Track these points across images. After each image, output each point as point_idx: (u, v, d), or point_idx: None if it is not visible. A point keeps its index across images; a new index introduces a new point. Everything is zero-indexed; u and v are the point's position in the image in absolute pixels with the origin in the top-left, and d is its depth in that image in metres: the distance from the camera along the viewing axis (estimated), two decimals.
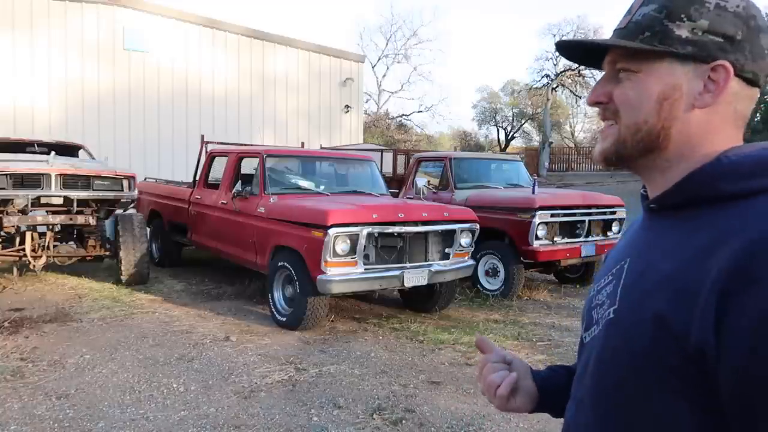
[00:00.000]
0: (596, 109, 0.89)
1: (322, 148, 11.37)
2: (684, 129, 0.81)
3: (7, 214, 6.31)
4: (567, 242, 6.87)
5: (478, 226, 5.98)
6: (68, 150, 8.03)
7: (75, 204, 6.54)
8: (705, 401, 0.70)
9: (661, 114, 0.82)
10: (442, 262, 5.70)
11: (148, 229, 7.87)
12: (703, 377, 0.69)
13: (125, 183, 6.88)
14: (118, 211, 7.26)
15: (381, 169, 8.05)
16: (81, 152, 8.38)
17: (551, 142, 31.72)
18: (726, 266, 0.68)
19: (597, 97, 0.88)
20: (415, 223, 5.49)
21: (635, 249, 0.85)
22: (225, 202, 6.65)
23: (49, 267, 7.18)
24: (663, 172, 0.84)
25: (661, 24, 0.80)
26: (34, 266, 6.68)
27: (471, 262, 6.08)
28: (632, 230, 0.95)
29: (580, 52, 0.93)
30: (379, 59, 36.46)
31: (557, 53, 0.98)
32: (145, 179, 9.44)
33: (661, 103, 0.81)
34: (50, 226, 6.71)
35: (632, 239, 0.90)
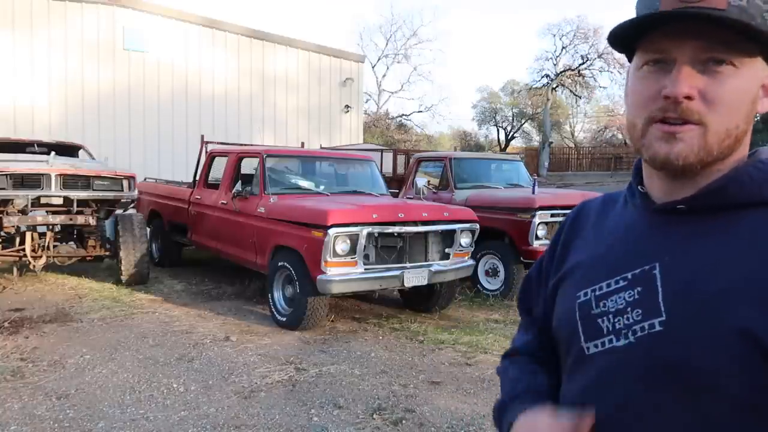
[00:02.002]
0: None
1: (322, 148, 11.37)
2: (748, 133, 0.77)
3: (7, 214, 6.31)
4: None
5: (478, 226, 5.98)
6: (68, 150, 8.03)
7: (75, 204, 6.53)
8: None
9: (749, 117, 0.75)
10: (442, 262, 5.70)
11: (148, 229, 7.87)
12: None
13: (125, 183, 6.87)
14: (118, 211, 7.26)
15: (381, 169, 8.04)
16: (81, 152, 8.38)
17: (551, 142, 31.75)
18: None
19: (691, 89, 0.73)
20: (415, 223, 5.49)
21: (657, 254, 0.78)
22: (225, 202, 6.65)
23: (49, 267, 7.18)
24: (705, 175, 0.77)
25: (761, 16, 0.72)
26: (34, 266, 6.67)
27: (471, 262, 6.07)
28: (618, 227, 0.87)
29: (631, 31, 0.78)
30: (379, 59, 36.50)
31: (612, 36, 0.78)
32: (145, 179, 9.43)
33: (752, 105, 0.75)
34: (50, 226, 6.71)
35: (634, 241, 0.83)
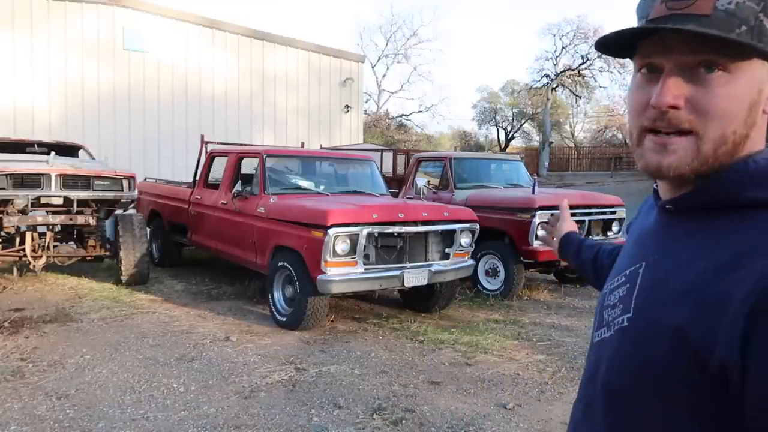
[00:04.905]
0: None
1: (322, 148, 11.37)
2: (753, 136, 0.74)
3: (7, 214, 6.30)
4: None
5: (478, 226, 5.97)
6: (68, 150, 8.02)
7: (75, 204, 6.53)
8: (723, 420, 0.67)
9: (747, 122, 0.72)
10: (442, 262, 5.70)
11: (148, 229, 7.87)
12: (723, 396, 0.66)
13: (125, 183, 6.87)
14: (118, 211, 7.25)
15: (381, 169, 8.04)
16: (81, 152, 8.37)
17: (551, 142, 31.75)
18: (756, 283, 0.63)
19: (676, 99, 0.72)
20: (415, 223, 5.49)
21: (649, 253, 0.81)
22: (225, 202, 6.65)
23: (49, 267, 7.18)
24: (702, 178, 0.76)
25: (756, 18, 0.70)
26: (34, 266, 6.67)
27: (471, 262, 6.07)
28: (643, 227, 0.90)
29: (624, 40, 0.77)
30: (379, 59, 36.57)
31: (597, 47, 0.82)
32: (145, 179, 9.44)
33: (750, 110, 0.72)
34: (50, 227, 6.70)
35: (645, 239, 0.86)
